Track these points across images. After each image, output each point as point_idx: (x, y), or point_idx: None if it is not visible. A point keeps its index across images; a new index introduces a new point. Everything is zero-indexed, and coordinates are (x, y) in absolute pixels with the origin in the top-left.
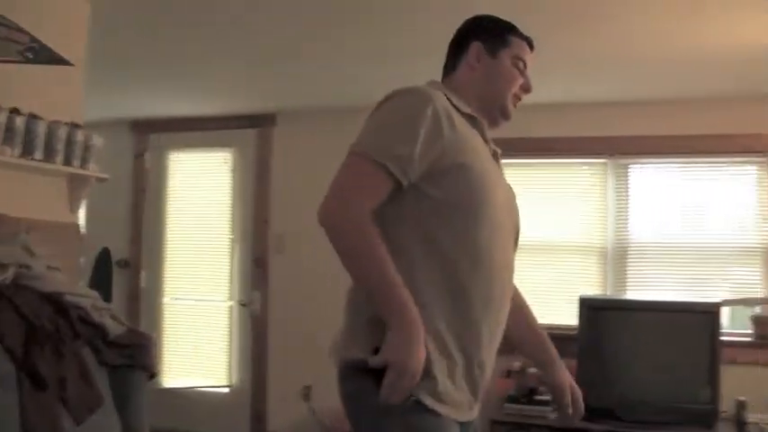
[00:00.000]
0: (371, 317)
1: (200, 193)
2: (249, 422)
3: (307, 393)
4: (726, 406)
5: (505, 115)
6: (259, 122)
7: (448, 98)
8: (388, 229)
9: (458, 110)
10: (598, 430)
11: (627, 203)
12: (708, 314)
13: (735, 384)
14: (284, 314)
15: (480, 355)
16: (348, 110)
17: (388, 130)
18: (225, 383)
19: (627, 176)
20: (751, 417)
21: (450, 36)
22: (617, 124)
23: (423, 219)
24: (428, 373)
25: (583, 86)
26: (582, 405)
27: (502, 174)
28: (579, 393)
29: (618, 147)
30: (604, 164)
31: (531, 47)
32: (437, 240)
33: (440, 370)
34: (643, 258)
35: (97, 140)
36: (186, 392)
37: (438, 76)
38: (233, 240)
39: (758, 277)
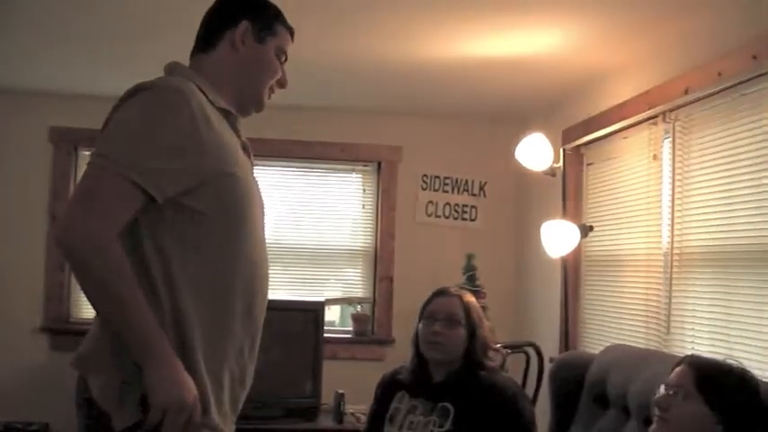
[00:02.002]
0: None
1: None
2: None
3: None
4: (327, 399)
5: (259, 107)
6: None
7: (202, 91)
8: (143, 246)
9: (212, 104)
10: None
11: None
12: (312, 312)
13: (335, 378)
14: None
15: (243, 371)
16: None
17: (137, 138)
18: None
19: None
20: (349, 407)
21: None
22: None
23: (184, 235)
24: (205, 408)
25: None
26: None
27: (253, 169)
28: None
29: None
30: None
31: (293, 38)
32: (200, 257)
33: (212, 402)
34: None
35: None
36: None
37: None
38: None
39: (362, 278)
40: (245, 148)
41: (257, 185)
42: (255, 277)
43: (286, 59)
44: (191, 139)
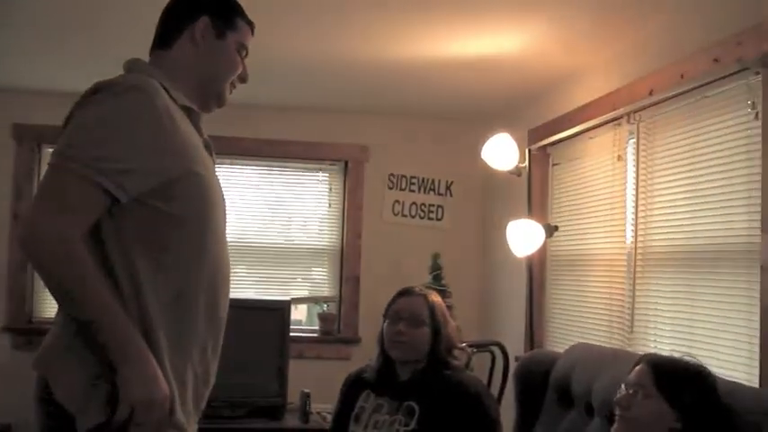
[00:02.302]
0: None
1: None
2: None
3: None
4: (292, 398)
5: (220, 103)
6: None
7: (165, 88)
8: (108, 246)
9: (174, 101)
10: None
11: None
12: (279, 311)
13: (301, 377)
14: None
15: (207, 370)
16: None
17: (100, 137)
18: None
19: None
20: (314, 407)
21: None
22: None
23: (149, 235)
24: (170, 409)
25: None
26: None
27: (215, 167)
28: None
29: None
30: None
31: (253, 32)
32: (165, 258)
33: (177, 402)
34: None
35: None
36: None
37: None
38: None
39: (328, 277)
40: (207, 147)
41: (219, 184)
42: (219, 277)
43: (247, 54)
44: (155, 138)
